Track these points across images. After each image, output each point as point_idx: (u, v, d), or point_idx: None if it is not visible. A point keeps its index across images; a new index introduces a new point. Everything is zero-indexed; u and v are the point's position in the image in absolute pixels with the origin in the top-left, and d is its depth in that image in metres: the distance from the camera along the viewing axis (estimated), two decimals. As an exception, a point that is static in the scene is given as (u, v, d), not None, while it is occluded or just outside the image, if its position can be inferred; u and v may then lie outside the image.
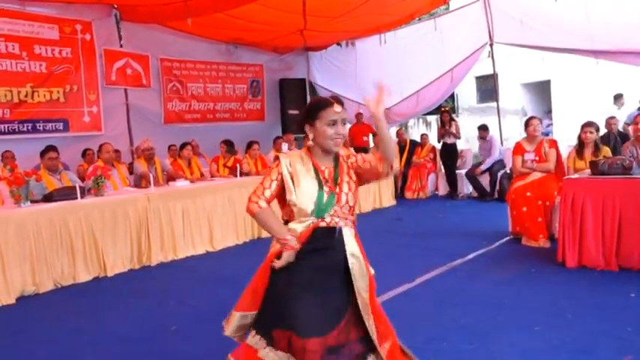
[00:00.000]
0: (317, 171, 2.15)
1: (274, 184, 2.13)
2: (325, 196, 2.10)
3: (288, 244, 2.05)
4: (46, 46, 7.02)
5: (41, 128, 6.97)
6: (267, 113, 10.45)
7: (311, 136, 2.15)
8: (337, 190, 2.12)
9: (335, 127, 2.09)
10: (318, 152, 2.17)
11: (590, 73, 9.92)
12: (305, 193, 2.10)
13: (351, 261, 2.10)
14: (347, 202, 2.13)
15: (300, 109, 10.04)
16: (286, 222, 2.17)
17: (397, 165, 2.19)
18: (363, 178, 2.21)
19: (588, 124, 5.30)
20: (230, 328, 2.22)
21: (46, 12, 7.07)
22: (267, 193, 2.13)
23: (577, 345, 2.84)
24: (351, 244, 2.13)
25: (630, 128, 5.15)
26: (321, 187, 2.11)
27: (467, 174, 8.78)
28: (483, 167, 8.44)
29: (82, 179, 5.91)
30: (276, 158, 2.23)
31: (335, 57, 10.79)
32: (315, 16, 7.65)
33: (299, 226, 2.09)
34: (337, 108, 2.10)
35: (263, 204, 2.12)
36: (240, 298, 2.23)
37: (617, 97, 9.41)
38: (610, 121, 7.70)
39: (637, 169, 4.31)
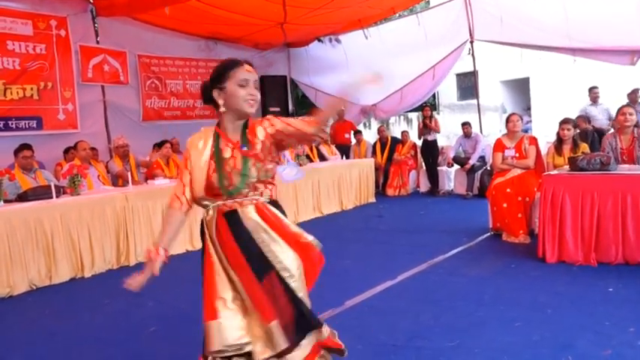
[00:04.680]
0: (218, 149, 2.01)
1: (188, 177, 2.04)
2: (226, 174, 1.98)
3: (152, 257, 2.03)
4: (20, 41, 6.85)
5: (14, 126, 6.80)
6: (248, 110, 10.36)
7: (221, 102, 1.99)
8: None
9: (247, 89, 1.97)
10: (230, 125, 2.03)
11: (568, 71, 10.03)
12: (196, 174, 2.01)
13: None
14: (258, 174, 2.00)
15: (281, 105, 9.97)
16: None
17: (327, 133, 1.98)
18: (284, 143, 2.05)
19: (565, 121, 5.37)
20: None
21: (19, 7, 6.90)
22: (187, 192, 2.05)
23: (557, 340, 2.85)
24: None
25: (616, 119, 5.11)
26: (220, 165, 1.98)
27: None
28: (471, 162, 8.46)
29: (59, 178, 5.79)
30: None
31: (316, 54, 10.75)
32: (295, 6, 7.59)
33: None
34: (248, 67, 2.00)
35: (177, 204, 2.05)
36: None
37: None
38: (580, 120, 7.69)
39: (614, 165, 4.37)
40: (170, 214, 2.05)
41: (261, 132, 2.01)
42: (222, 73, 1.98)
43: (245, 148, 1.99)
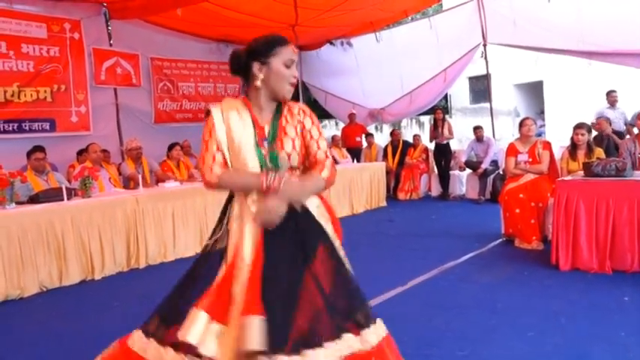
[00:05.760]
0: (255, 127, 1.87)
1: (215, 147, 1.85)
2: (263, 158, 1.84)
3: (273, 184, 1.73)
4: (34, 44, 6.91)
5: (27, 128, 6.85)
6: (260, 113, 10.38)
7: (261, 76, 1.84)
8: (277, 150, 1.85)
9: (291, 70, 1.88)
10: (260, 102, 1.89)
11: (582, 74, 9.92)
12: (244, 153, 1.83)
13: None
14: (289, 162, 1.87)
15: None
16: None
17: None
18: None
19: (580, 126, 5.28)
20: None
21: (34, 10, 6.97)
22: (219, 158, 1.85)
23: (571, 350, 2.79)
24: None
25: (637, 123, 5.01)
26: (257, 146, 1.84)
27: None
28: (484, 166, 8.37)
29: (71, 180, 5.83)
30: (208, 113, 1.90)
31: (327, 57, 10.74)
32: (307, 8, 7.58)
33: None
34: (294, 48, 1.91)
35: (218, 169, 1.84)
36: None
37: None
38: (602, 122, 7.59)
39: (630, 171, 4.29)
40: (226, 173, 1.85)
41: (295, 121, 1.93)
42: (269, 46, 1.84)
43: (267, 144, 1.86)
